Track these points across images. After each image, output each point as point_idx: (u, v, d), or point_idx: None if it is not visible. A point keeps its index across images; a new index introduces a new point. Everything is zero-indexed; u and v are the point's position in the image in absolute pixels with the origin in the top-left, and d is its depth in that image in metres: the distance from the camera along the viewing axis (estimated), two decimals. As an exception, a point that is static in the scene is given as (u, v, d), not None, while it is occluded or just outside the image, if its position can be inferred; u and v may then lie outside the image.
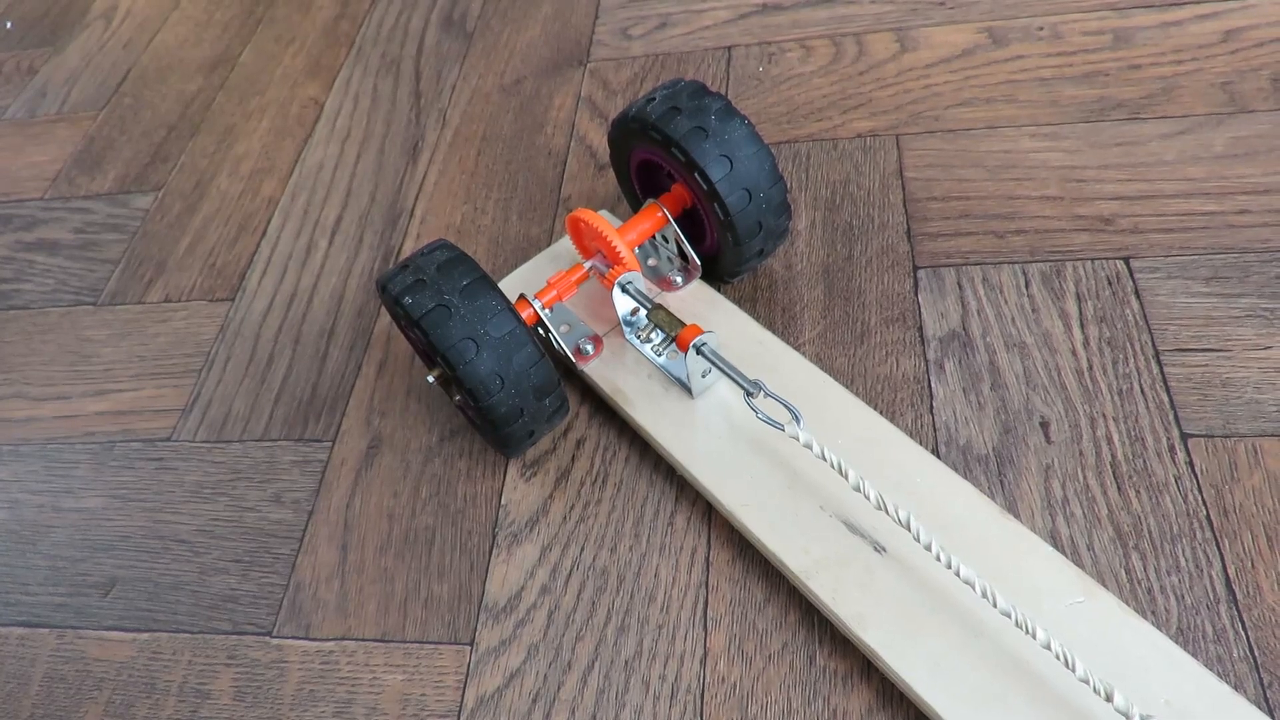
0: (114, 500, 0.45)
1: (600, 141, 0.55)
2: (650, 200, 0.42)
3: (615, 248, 0.39)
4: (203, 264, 0.55)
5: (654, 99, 0.40)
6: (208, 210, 0.58)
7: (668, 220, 0.41)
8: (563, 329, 0.43)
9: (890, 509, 0.31)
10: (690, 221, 0.42)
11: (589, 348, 0.42)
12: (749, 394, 0.35)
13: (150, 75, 0.70)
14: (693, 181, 0.39)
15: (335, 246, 0.53)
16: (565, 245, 0.47)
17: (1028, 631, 0.28)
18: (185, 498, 0.44)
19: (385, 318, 0.49)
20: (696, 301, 0.43)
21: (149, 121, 0.66)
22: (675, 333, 0.37)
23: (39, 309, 0.55)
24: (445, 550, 0.40)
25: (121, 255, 0.57)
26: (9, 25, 0.80)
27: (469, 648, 0.37)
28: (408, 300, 0.34)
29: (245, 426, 0.46)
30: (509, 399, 0.35)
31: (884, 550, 0.33)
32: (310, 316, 0.50)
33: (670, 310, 0.38)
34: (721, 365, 0.36)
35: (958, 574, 0.29)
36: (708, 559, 0.37)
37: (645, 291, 0.40)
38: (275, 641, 0.39)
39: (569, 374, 0.43)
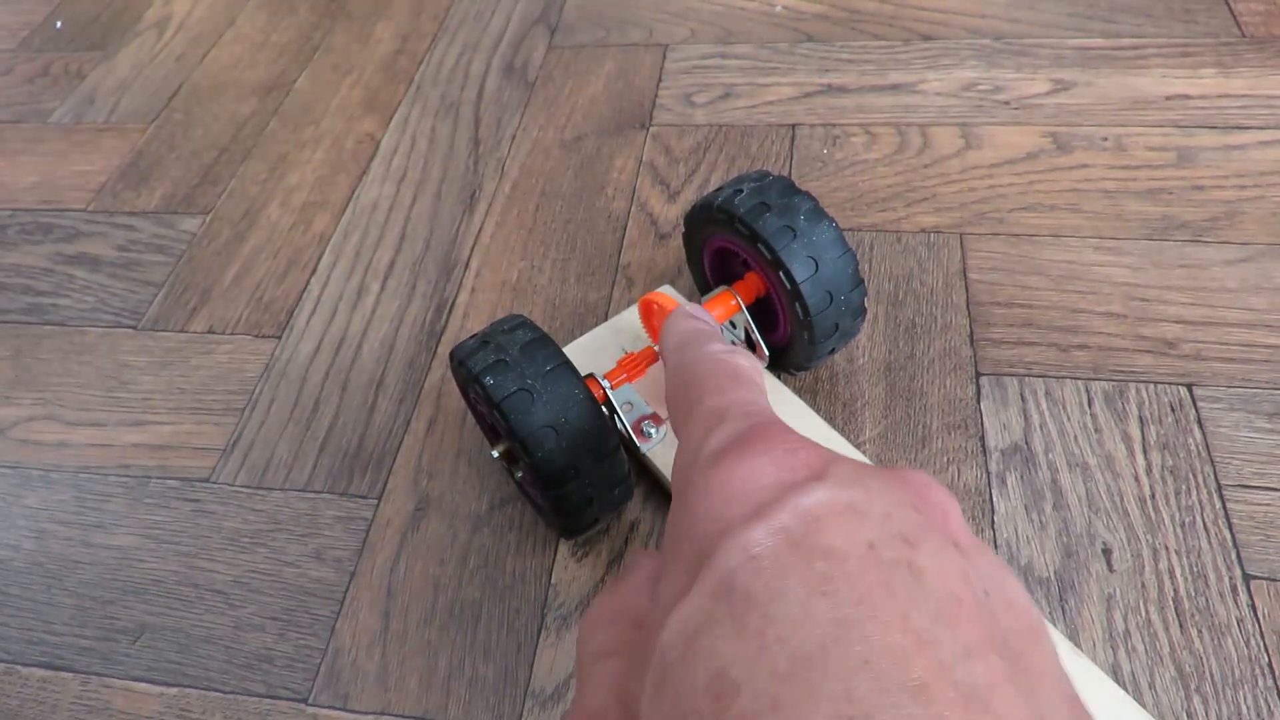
0: (147, 540, 0.44)
1: (662, 210, 0.55)
2: (724, 287, 0.42)
3: (692, 337, 0.39)
4: (250, 297, 0.54)
5: (741, 191, 0.40)
6: (257, 240, 0.57)
7: (740, 309, 0.41)
8: (625, 407, 0.42)
9: (969, 642, 0.31)
10: (761, 310, 0.42)
11: (651, 430, 0.41)
12: (824, 504, 0.34)
13: (203, 92, 0.70)
14: (775, 278, 0.39)
15: (388, 292, 0.53)
16: (627, 319, 0.47)
17: (1107, 785, 0.28)
18: (222, 545, 0.43)
19: (436, 372, 0.49)
20: (761, 391, 0.43)
21: (199, 141, 0.65)
22: (750, 431, 0.36)
23: (76, 327, 0.54)
24: (492, 628, 0.39)
25: (165, 278, 0.56)
26: (58, 25, 0.79)
27: (514, 735, 0.36)
28: (489, 380, 0.34)
29: (288, 474, 0.45)
30: (582, 489, 0.34)
31: (952, 677, 0.33)
32: (359, 363, 0.50)
33: (743, 405, 0.38)
34: (797, 471, 0.35)
35: (1037, 718, 0.29)
36: (762, 662, 0.37)
37: (717, 382, 0.39)
38: (310, 710, 0.38)
39: (625, 451, 0.42)
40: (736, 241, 0.40)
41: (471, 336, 0.37)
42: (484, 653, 0.38)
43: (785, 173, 0.55)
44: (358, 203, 0.59)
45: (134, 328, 0.54)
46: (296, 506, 0.44)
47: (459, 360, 0.36)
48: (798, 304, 0.38)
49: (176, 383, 0.50)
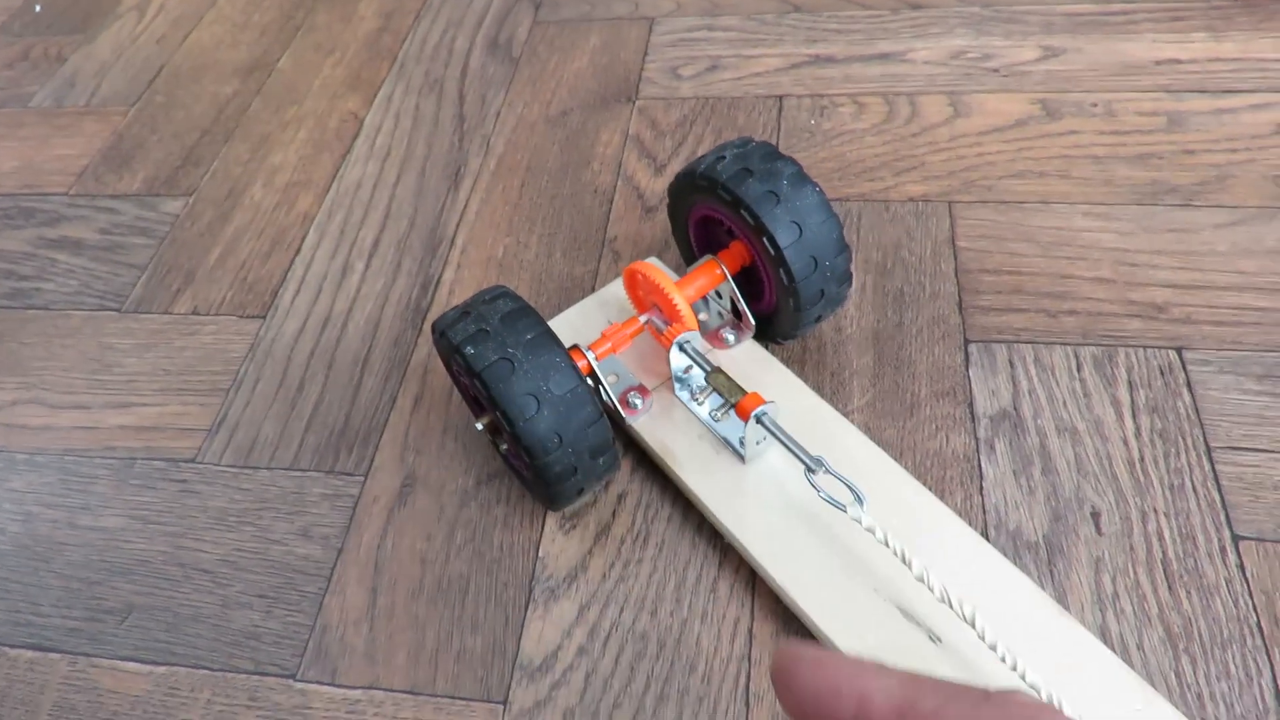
0: (134, 521, 0.44)
1: (648, 183, 0.54)
2: (709, 256, 0.41)
3: (677, 306, 0.39)
4: (234, 277, 0.54)
5: (724, 158, 0.39)
6: (240, 221, 0.57)
7: (726, 278, 0.41)
8: (610, 379, 0.42)
9: (955, 604, 0.30)
10: (746, 279, 0.42)
11: (637, 401, 0.41)
12: (810, 470, 0.34)
13: (184, 74, 0.69)
14: (759, 244, 0.38)
15: (372, 270, 0.52)
16: (613, 291, 0.46)
17: (1093, 743, 0.28)
18: (209, 524, 0.43)
19: (422, 349, 0.48)
20: (749, 361, 0.42)
21: (181, 122, 0.65)
22: (735, 399, 0.36)
23: (60, 311, 0.54)
24: (480, 601, 0.39)
25: (149, 261, 0.56)
26: (38, 8, 0.78)
27: (502, 706, 0.36)
28: (470, 350, 0.34)
29: (274, 453, 0.45)
30: (565, 457, 0.34)
31: (940, 640, 0.33)
32: (344, 342, 0.49)
33: (728, 374, 0.38)
34: (783, 438, 0.35)
35: (1024, 678, 0.29)
36: (750, 631, 0.36)
37: (702, 352, 0.39)
38: (299, 685, 0.37)
39: (611, 423, 0.42)
40: (720, 209, 0.40)
41: (453, 308, 0.36)
42: (471, 626, 0.38)
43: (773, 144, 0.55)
44: (342, 182, 0.58)
45: (118, 310, 0.53)
46: (283, 485, 0.44)
47: (440, 331, 0.36)
48: (782, 270, 0.38)
49: (161, 364, 0.50)
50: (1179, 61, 0.55)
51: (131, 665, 0.39)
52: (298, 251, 0.54)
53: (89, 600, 0.41)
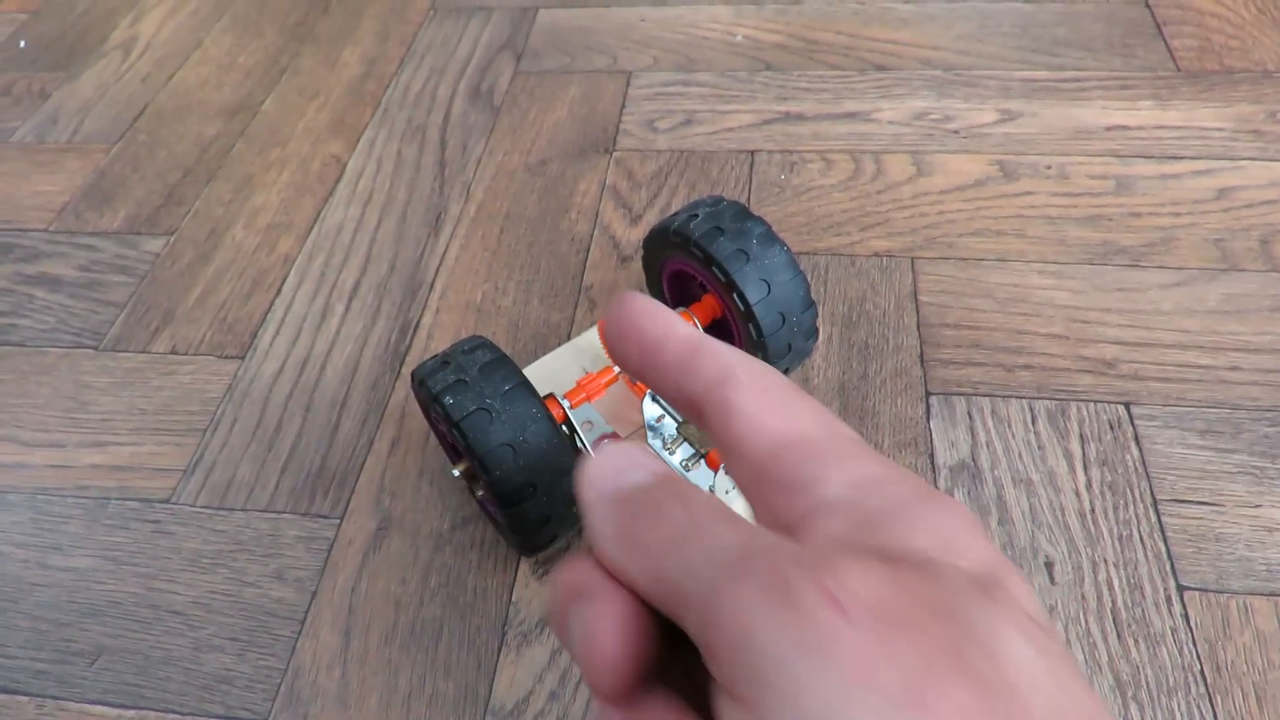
0: (106, 562, 0.44)
1: (624, 233, 0.56)
2: (682, 309, 0.43)
3: (649, 358, 0.40)
4: (213, 317, 0.54)
5: (697, 215, 0.41)
6: (221, 261, 0.58)
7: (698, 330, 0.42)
8: (585, 426, 0.43)
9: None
10: (718, 331, 0.44)
11: (610, 449, 0.42)
12: (776, 520, 0.35)
13: (168, 114, 0.70)
14: (729, 300, 0.40)
15: (352, 313, 0.53)
16: (589, 339, 0.48)
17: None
18: (182, 566, 0.43)
19: (400, 392, 0.49)
20: (718, 410, 0.44)
21: (164, 162, 0.65)
22: (705, 450, 0.38)
23: (36, 348, 0.54)
24: (452, 645, 0.39)
25: (128, 299, 0.56)
26: (22, 44, 0.79)
27: (473, 752, 0.36)
28: (449, 400, 0.35)
29: (249, 495, 0.45)
30: (540, 505, 0.35)
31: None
32: (323, 384, 0.50)
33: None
34: (750, 488, 0.36)
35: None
36: (718, 676, 0.37)
37: (674, 402, 0.40)
38: (270, 730, 0.38)
39: (586, 471, 0.43)
40: (692, 264, 0.41)
41: (432, 357, 0.38)
42: (444, 670, 0.39)
43: (744, 198, 0.57)
44: (323, 224, 0.59)
45: (95, 348, 0.54)
46: (258, 527, 0.44)
47: (420, 380, 0.37)
48: (751, 325, 0.39)
49: (137, 403, 0.50)
50: (1127, 128, 0.58)
51: (100, 708, 0.39)
52: (278, 293, 0.55)
53: (58, 642, 0.41)
